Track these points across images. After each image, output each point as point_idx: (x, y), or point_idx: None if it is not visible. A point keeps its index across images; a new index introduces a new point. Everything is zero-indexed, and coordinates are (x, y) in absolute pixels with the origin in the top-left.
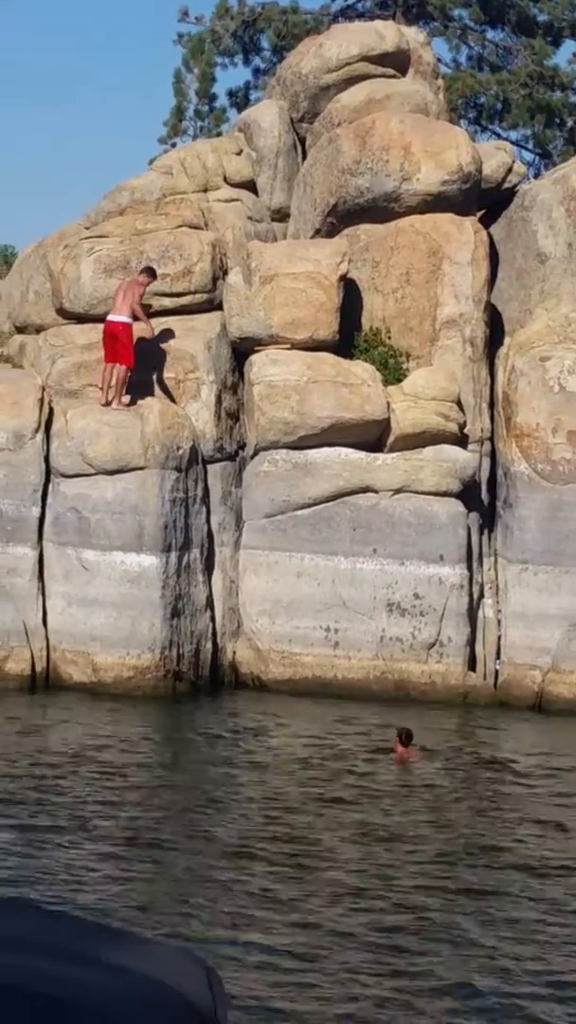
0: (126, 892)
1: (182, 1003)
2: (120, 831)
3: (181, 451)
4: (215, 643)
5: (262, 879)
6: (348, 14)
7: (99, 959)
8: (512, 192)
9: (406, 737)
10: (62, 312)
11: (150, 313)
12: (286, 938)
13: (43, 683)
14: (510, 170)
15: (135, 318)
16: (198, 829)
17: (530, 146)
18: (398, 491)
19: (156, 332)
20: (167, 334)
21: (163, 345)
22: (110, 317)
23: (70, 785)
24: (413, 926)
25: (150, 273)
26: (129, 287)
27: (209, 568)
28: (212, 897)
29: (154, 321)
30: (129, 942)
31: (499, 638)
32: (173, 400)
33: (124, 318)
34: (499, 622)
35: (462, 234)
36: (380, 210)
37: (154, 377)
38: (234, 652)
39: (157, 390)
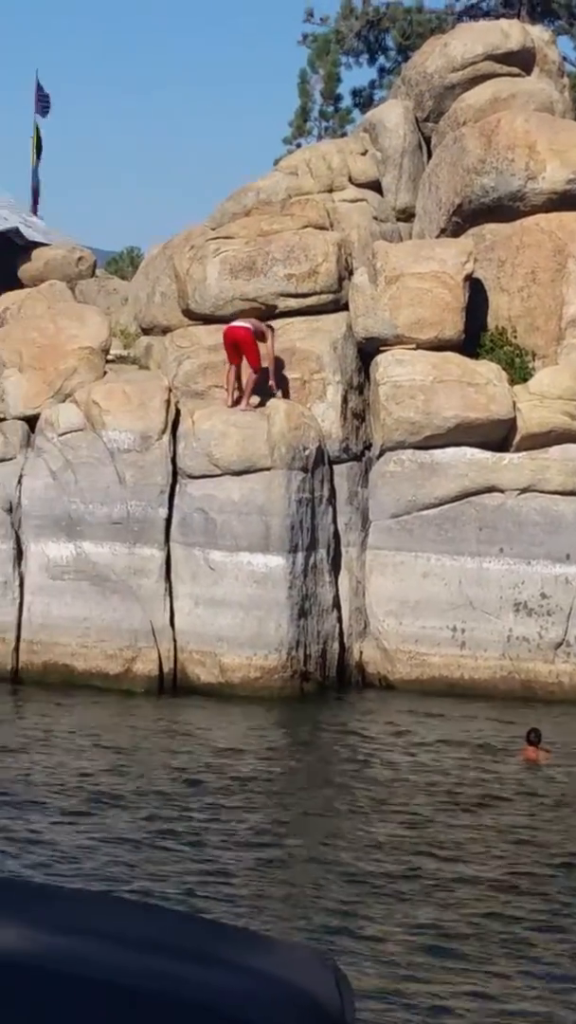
0: (259, 893)
1: (311, 1003)
2: (251, 835)
3: (307, 452)
4: (342, 643)
5: (395, 880)
6: (473, 13)
7: (231, 961)
8: None
9: (536, 737)
10: (188, 313)
11: (276, 314)
12: (420, 937)
13: (171, 684)
14: None
15: (260, 338)
16: (331, 831)
17: None
18: (524, 490)
19: (276, 334)
20: (289, 335)
21: (288, 346)
22: (232, 324)
23: (199, 787)
24: (555, 924)
25: (268, 328)
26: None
27: (336, 568)
28: (345, 897)
29: (279, 322)
30: (260, 944)
31: None
32: (297, 400)
33: (246, 324)
34: None
35: None
36: (505, 209)
37: (280, 378)
38: (361, 652)
39: (282, 391)
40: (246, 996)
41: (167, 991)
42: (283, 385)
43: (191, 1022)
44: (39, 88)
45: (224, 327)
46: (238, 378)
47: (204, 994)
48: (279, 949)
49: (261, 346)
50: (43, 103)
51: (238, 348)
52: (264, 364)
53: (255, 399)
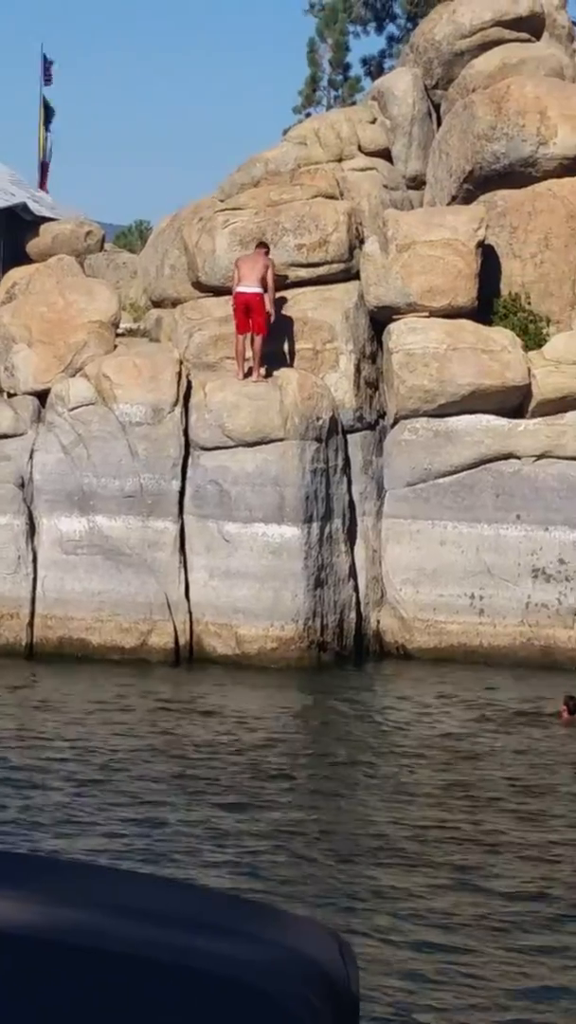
0: (268, 864)
1: (317, 972)
2: (265, 805)
3: (321, 421)
4: (359, 613)
5: (424, 850)
6: None
7: (238, 930)
8: None
9: (574, 703)
10: (198, 285)
11: (287, 284)
12: (432, 916)
13: (187, 656)
14: None
15: (264, 289)
16: (347, 801)
17: None
18: (540, 457)
19: (287, 302)
20: (300, 304)
21: (300, 316)
22: (240, 288)
23: (215, 758)
24: None
25: (267, 248)
26: (256, 259)
27: (351, 538)
28: (355, 870)
29: (290, 292)
30: (267, 915)
31: None
32: (310, 370)
33: (256, 289)
34: None
35: None
36: (517, 175)
37: (290, 348)
38: (378, 621)
39: (294, 361)
40: (254, 965)
41: (177, 961)
42: (296, 355)
43: (202, 990)
44: (44, 59)
45: (235, 292)
46: (249, 348)
47: (213, 963)
48: (286, 920)
49: (267, 276)
50: (47, 71)
51: (249, 311)
52: (269, 288)
53: (263, 368)
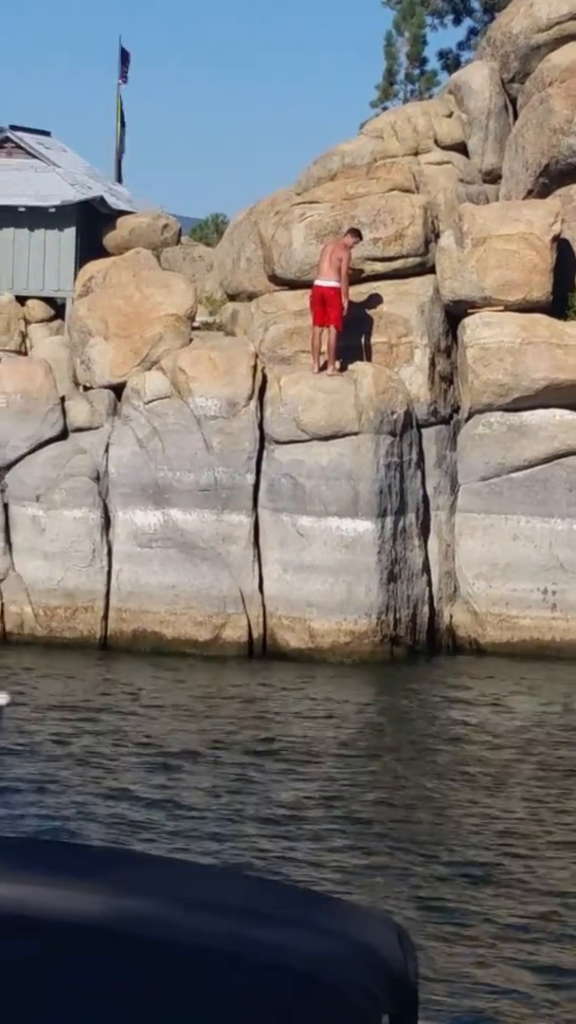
0: (341, 858)
1: (376, 960)
2: (336, 800)
3: (395, 415)
4: (432, 607)
5: (492, 854)
6: None
7: (300, 921)
8: None
9: None
10: (274, 279)
11: (362, 278)
12: (493, 921)
13: (260, 650)
14: None
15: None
16: (419, 797)
17: None
18: None
19: (363, 296)
20: (377, 298)
21: (375, 310)
22: (318, 282)
23: (287, 751)
24: None
25: (356, 235)
26: (334, 250)
27: (425, 532)
28: (422, 871)
29: (366, 286)
30: (326, 904)
31: None
32: (384, 364)
33: (333, 282)
34: None
35: None
36: None
37: (365, 342)
38: (451, 616)
39: (369, 355)
40: (315, 955)
41: (240, 952)
42: (371, 348)
43: (265, 981)
44: (123, 54)
45: (313, 285)
46: (323, 343)
47: (275, 954)
48: (347, 910)
49: (341, 266)
50: (124, 67)
51: (325, 304)
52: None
53: (338, 362)
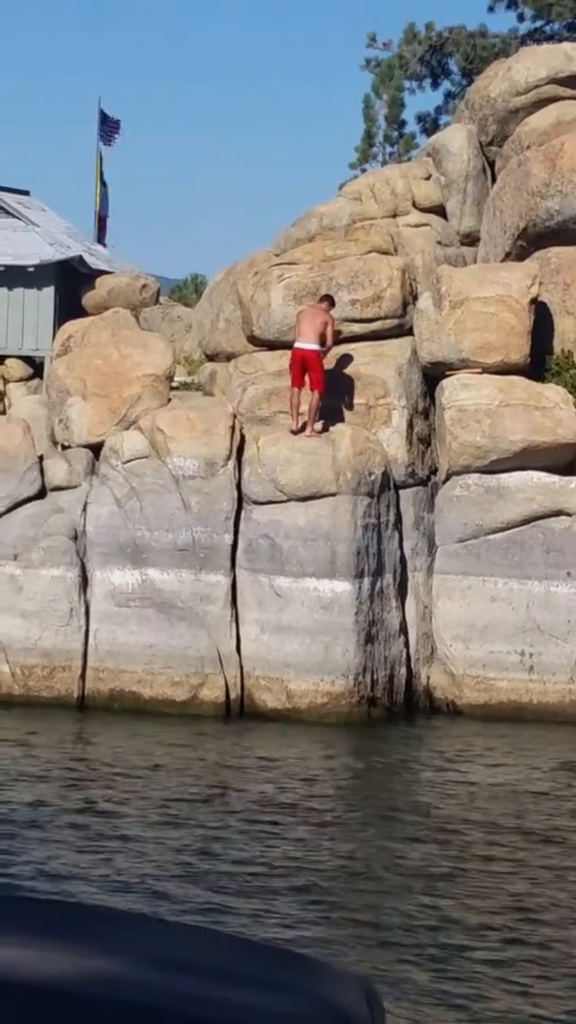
0: (315, 921)
1: (341, 1019)
2: (308, 860)
3: (373, 477)
4: (409, 668)
5: (463, 912)
6: (536, 36)
7: (262, 979)
8: None
9: None
10: (252, 339)
11: (340, 339)
12: (473, 982)
13: (238, 710)
14: None
15: (322, 344)
16: (394, 859)
17: None
18: None
19: (340, 357)
20: (354, 360)
21: (353, 371)
22: (299, 344)
23: (263, 812)
24: None
25: (330, 301)
26: (316, 315)
27: (402, 593)
28: (405, 928)
29: (344, 347)
30: (292, 962)
31: None
32: (362, 425)
33: (314, 345)
34: None
35: None
36: (571, 232)
37: (344, 403)
38: (428, 677)
39: (347, 416)
40: (277, 1016)
41: (195, 1013)
42: (349, 410)
43: None
44: (103, 116)
45: (293, 347)
46: (304, 403)
47: (234, 1015)
48: (311, 968)
49: (327, 331)
50: (110, 129)
51: (305, 367)
52: (328, 343)
53: (319, 424)
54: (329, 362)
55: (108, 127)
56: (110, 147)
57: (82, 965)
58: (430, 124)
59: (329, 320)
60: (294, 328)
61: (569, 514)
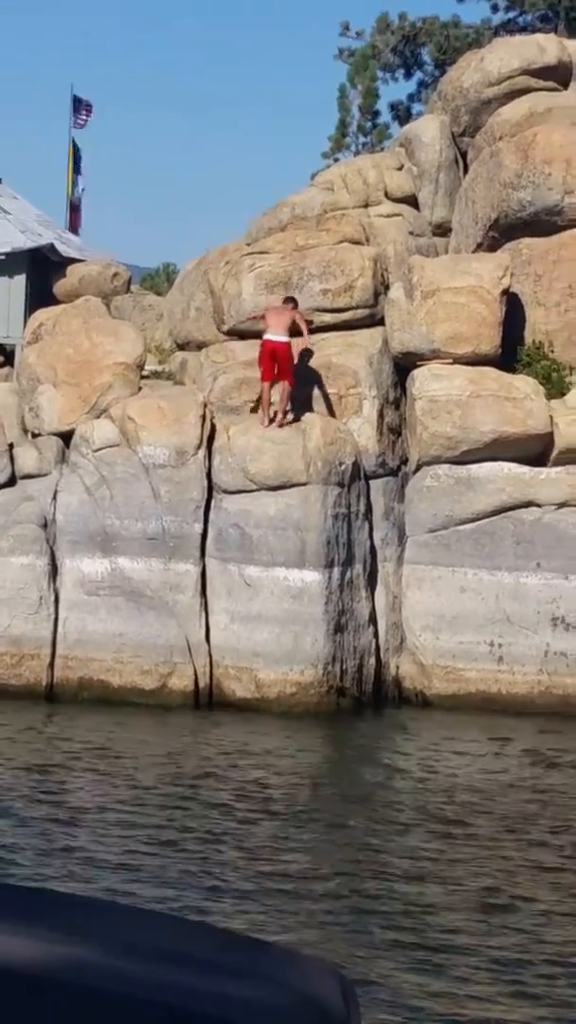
0: (278, 908)
1: (317, 1011)
2: (278, 850)
3: (343, 467)
4: (378, 658)
5: (433, 900)
6: (509, 27)
7: (239, 969)
8: None
9: None
10: (223, 329)
11: (311, 329)
12: (439, 966)
13: (206, 699)
14: None
15: (293, 335)
16: (361, 848)
17: None
18: (562, 505)
19: (314, 347)
20: (325, 350)
21: (323, 360)
22: (269, 336)
23: (230, 801)
24: None
25: (293, 302)
26: (281, 312)
27: (372, 583)
28: (372, 921)
29: (315, 337)
30: (267, 952)
31: None
32: (333, 415)
33: (284, 338)
34: None
35: None
36: (542, 223)
37: (315, 393)
38: (397, 667)
39: (318, 406)
40: (252, 1005)
41: (171, 1000)
42: (319, 400)
43: None
44: (75, 100)
45: (263, 339)
46: (276, 395)
47: (209, 1003)
48: (288, 959)
49: (296, 327)
50: (83, 111)
51: (276, 359)
52: (304, 345)
53: (290, 415)
54: (305, 351)
55: (80, 110)
56: (82, 128)
57: (53, 952)
58: (403, 114)
59: (296, 315)
60: (263, 320)
61: (539, 505)
